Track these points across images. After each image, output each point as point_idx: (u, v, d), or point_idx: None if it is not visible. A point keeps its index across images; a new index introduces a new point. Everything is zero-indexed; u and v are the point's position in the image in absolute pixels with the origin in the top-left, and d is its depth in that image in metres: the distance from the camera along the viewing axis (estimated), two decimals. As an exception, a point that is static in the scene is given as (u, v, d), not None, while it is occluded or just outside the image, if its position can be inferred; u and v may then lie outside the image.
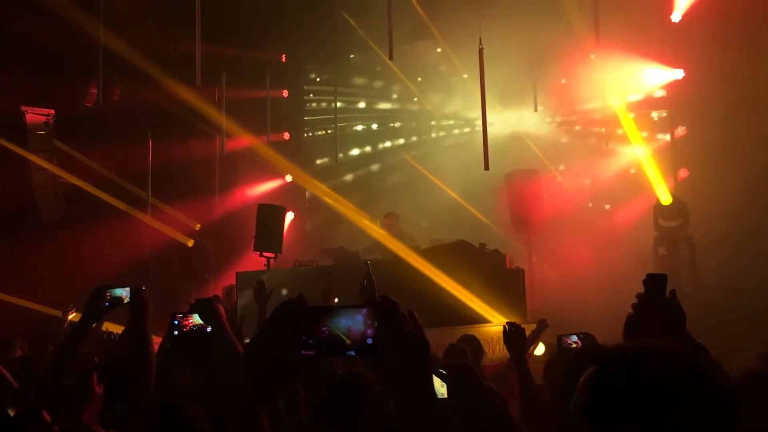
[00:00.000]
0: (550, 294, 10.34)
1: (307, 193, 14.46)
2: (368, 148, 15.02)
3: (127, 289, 3.34)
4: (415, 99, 14.34)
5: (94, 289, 3.34)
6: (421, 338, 1.43)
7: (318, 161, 15.02)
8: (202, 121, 11.79)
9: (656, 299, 2.15)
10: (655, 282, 2.17)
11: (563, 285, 10.78)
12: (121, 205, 10.99)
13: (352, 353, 1.41)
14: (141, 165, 11.22)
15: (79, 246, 10.12)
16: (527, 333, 4.63)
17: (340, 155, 13.85)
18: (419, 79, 14.01)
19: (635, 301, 2.18)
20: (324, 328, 1.41)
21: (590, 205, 12.58)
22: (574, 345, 3.82)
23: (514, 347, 3.91)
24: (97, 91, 9.76)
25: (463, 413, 2.18)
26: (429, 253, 8.69)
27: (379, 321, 1.40)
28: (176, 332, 2.88)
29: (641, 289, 2.18)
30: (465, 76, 12.65)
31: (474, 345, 5.66)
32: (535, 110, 12.03)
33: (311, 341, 1.41)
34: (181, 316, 2.89)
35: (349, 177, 14.73)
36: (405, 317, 1.44)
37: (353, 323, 1.41)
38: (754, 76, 9.99)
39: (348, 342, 1.41)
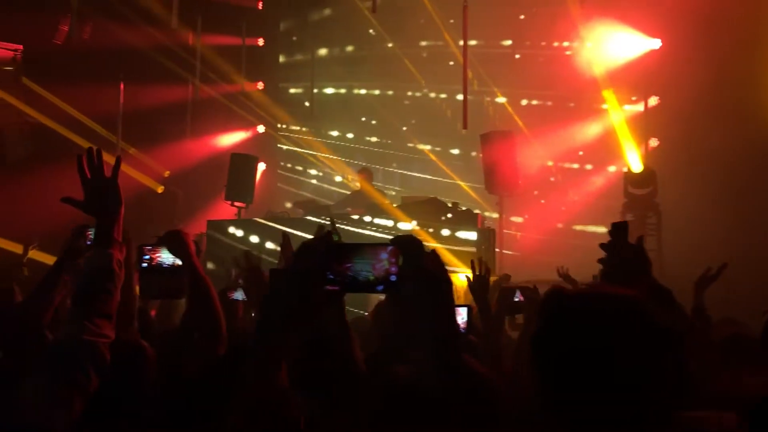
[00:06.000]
0: (520, 256, 10.49)
1: (280, 145, 14.33)
2: (343, 90, 14.82)
3: None
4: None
5: (73, 228, 3.25)
6: (444, 276, 1.46)
7: (293, 113, 14.85)
8: (176, 65, 11.51)
9: (620, 245, 2.13)
10: (618, 229, 2.17)
11: (533, 247, 10.93)
12: (89, 146, 10.73)
13: (378, 289, 1.42)
14: (111, 107, 10.92)
15: (44, 186, 9.85)
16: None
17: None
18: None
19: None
20: (349, 264, 1.42)
21: (552, 179, 12.69)
22: (516, 300, 3.81)
23: (478, 295, 3.73)
24: (68, 28, 9.45)
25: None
26: (402, 209, 8.72)
27: (402, 259, 1.41)
28: (145, 265, 2.78)
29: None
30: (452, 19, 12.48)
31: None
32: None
33: (336, 277, 1.42)
34: (149, 248, 2.79)
35: (324, 130, 14.60)
36: (428, 256, 1.46)
37: (377, 261, 1.42)
38: (731, 50, 10.08)
39: (372, 278, 1.42)
